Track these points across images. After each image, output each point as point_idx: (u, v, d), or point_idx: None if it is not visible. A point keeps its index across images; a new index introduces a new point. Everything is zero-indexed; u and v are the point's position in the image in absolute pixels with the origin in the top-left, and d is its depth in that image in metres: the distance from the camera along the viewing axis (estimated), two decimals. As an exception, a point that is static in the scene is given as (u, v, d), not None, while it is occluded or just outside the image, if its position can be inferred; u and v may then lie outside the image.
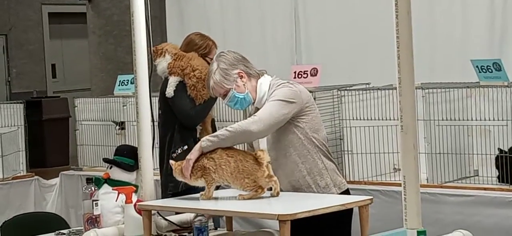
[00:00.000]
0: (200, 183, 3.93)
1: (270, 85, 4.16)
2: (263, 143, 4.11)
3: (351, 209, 3.90)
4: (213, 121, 5.61)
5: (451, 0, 6.61)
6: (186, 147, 5.32)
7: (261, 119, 3.96)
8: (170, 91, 5.42)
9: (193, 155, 3.94)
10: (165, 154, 5.46)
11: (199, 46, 5.65)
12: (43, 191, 7.34)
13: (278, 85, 4.11)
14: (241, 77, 4.14)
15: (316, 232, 3.87)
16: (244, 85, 4.15)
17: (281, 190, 3.98)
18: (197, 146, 3.97)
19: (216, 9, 8.29)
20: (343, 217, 3.98)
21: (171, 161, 4.04)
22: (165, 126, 5.50)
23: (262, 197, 3.84)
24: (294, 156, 4.09)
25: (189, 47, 5.63)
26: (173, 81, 5.45)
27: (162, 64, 5.50)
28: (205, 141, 3.94)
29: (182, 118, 5.43)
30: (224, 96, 4.16)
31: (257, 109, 4.22)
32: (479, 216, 5.01)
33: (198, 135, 5.41)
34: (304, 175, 4.09)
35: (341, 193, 4.12)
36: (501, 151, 5.12)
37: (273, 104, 4.02)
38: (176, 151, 5.37)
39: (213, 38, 5.73)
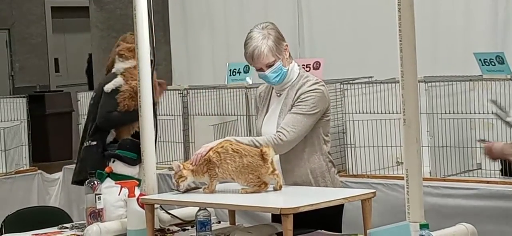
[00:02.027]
0: (205, 179, 3.91)
1: (299, 74, 4.13)
2: (272, 129, 4.10)
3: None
4: (136, 134, 5.09)
5: (454, -7, 6.61)
6: (94, 143, 5.33)
7: (289, 142, 3.97)
8: (109, 87, 5.34)
9: (209, 145, 3.89)
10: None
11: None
12: (46, 185, 7.36)
13: (309, 86, 4.04)
14: (286, 50, 4.12)
15: (313, 225, 3.86)
16: (287, 60, 4.12)
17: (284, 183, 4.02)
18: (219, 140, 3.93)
19: (218, 3, 8.28)
20: (337, 209, 4.00)
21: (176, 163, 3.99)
22: (92, 115, 5.47)
23: (265, 191, 3.84)
24: (301, 151, 4.07)
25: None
26: (118, 81, 5.34)
27: (127, 65, 5.38)
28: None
29: (99, 116, 5.37)
30: (268, 66, 4.06)
31: (271, 89, 4.16)
32: (482, 209, 5.01)
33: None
34: (308, 172, 4.09)
35: None
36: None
37: (301, 120, 3.98)
38: (88, 142, 5.38)
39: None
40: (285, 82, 4.12)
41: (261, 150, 3.83)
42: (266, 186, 3.83)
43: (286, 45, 4.13)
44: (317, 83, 4.09)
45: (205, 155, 3.87)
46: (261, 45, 4.05)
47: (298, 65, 4.20)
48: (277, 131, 4.00)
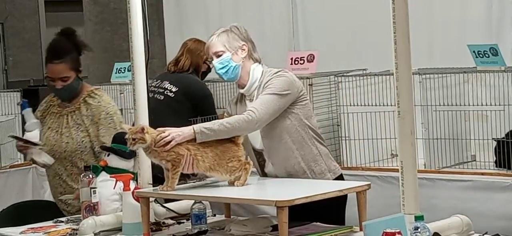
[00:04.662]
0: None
1: (262, 72, 4.14)
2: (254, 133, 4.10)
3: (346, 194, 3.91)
4: None
5: (448, -15, 6.61)
6: None
7: (259, 119, 3.94)
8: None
9: (180, 137, 3.80)
10: None
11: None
12: (41, 179, 7.33)
13: (273, 74, 4.08)
14: (243, 50, 4.12)
15: (312, 217, 3.87)
16: (241, 59, 4.12)
17: (277, 176, 4.05)
18: (189, 130, 3.84)
19: (213, -5, 8.27)
20: (338, 201, 3.99)
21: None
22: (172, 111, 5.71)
23: (260, 184, 3.85)
24: (289, 143, 4.08)
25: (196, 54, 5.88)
26: None
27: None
28: (199, 133, 3.84)
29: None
30: (217, 56, 4.11)
31: (242, 96, 4.18)
32: (477, 201, 5.02)
33: None
34: (299, 161, 4.09)
35: (336, 178, 4.14)
36: (497, 140, 5.13)
37: (269, 99, 3.98)
38: None
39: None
40: (250, 85, 4.11)
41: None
42: (250, 165, 3.84)
43: (244, 45, 4.12)
44: (281, 70, 4.11)
45: (171, 148, 3.79)
46: (215, 35, 4.14)
47: (264, 68, 4.17)
48: (247, 110, 4.00)
